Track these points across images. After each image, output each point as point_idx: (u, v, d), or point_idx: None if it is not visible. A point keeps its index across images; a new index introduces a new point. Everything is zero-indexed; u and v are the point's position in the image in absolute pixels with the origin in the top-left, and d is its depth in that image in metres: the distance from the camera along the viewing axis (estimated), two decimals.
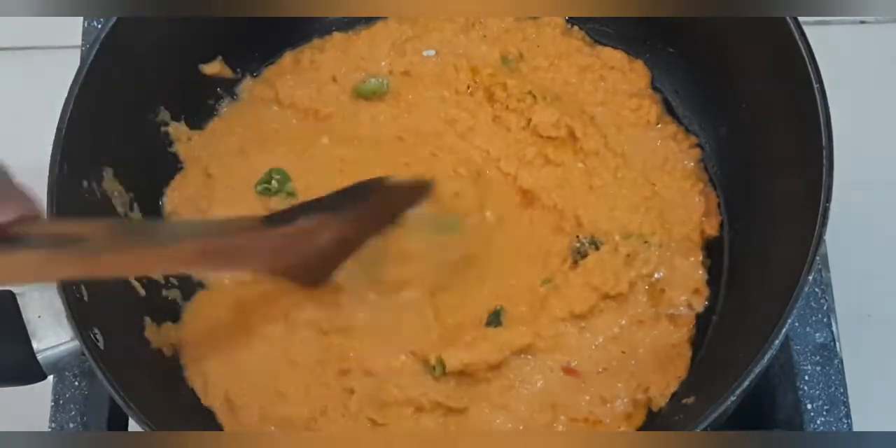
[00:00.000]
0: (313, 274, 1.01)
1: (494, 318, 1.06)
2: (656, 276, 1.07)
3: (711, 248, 1.10)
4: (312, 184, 1.11)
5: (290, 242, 0.94)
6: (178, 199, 1.13)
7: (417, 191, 1.06)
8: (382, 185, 1.03)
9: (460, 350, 1.04)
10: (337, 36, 1.19)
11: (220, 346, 1.07)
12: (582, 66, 1.16)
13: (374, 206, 1.01)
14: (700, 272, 1.08)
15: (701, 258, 1.09)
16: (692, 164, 1.13)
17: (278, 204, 1.11)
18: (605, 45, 1.18)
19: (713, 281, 1.08)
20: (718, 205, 1.11)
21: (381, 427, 1.03)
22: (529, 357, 1.05)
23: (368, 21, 1.20)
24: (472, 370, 1.04)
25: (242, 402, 1.05)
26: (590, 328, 1.06)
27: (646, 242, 1.08)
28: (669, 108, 1.16)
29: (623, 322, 1.06)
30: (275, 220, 0.94)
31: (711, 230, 1.10)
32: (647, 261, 1.07)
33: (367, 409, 1.03)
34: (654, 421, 1.03)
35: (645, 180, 1.11)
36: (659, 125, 1.14)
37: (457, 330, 1.06)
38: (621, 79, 1.16)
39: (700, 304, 1.07)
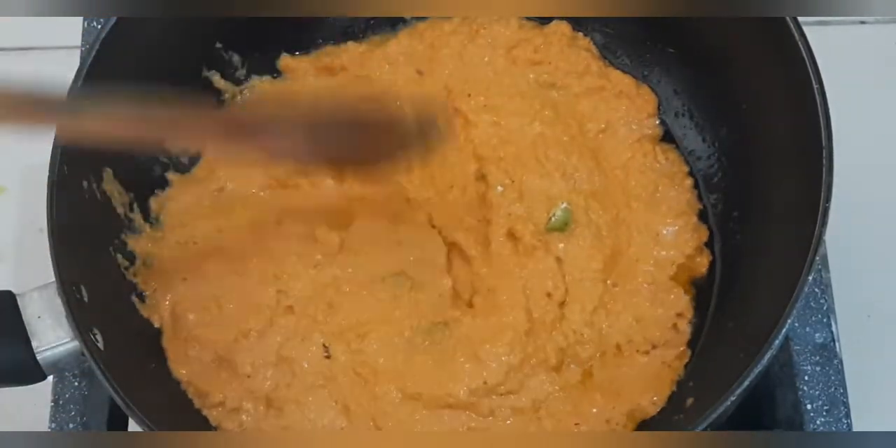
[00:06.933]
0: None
1: None
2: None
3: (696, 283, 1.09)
4: None
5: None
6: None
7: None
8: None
9: None
10: (351, 45, 1.20)
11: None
12: (591, 88, 1.16)
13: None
14: (684, 299, 1.07)
15: (682, 293, 1.07)
16: (686, 196, 1.11)
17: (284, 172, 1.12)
18: (611, 58, 1.18)
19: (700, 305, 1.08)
20: (707, 243, 1.10)
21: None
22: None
23: (377, 31, 1.21)
24: None
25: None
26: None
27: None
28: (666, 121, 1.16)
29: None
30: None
31: (701, 268, 1.09)
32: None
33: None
34: (653, 422, 1.03)
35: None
36: (661, 162, 1.13)
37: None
38: (629, 106, 1.15)
39: (686, 328, 1.06)
